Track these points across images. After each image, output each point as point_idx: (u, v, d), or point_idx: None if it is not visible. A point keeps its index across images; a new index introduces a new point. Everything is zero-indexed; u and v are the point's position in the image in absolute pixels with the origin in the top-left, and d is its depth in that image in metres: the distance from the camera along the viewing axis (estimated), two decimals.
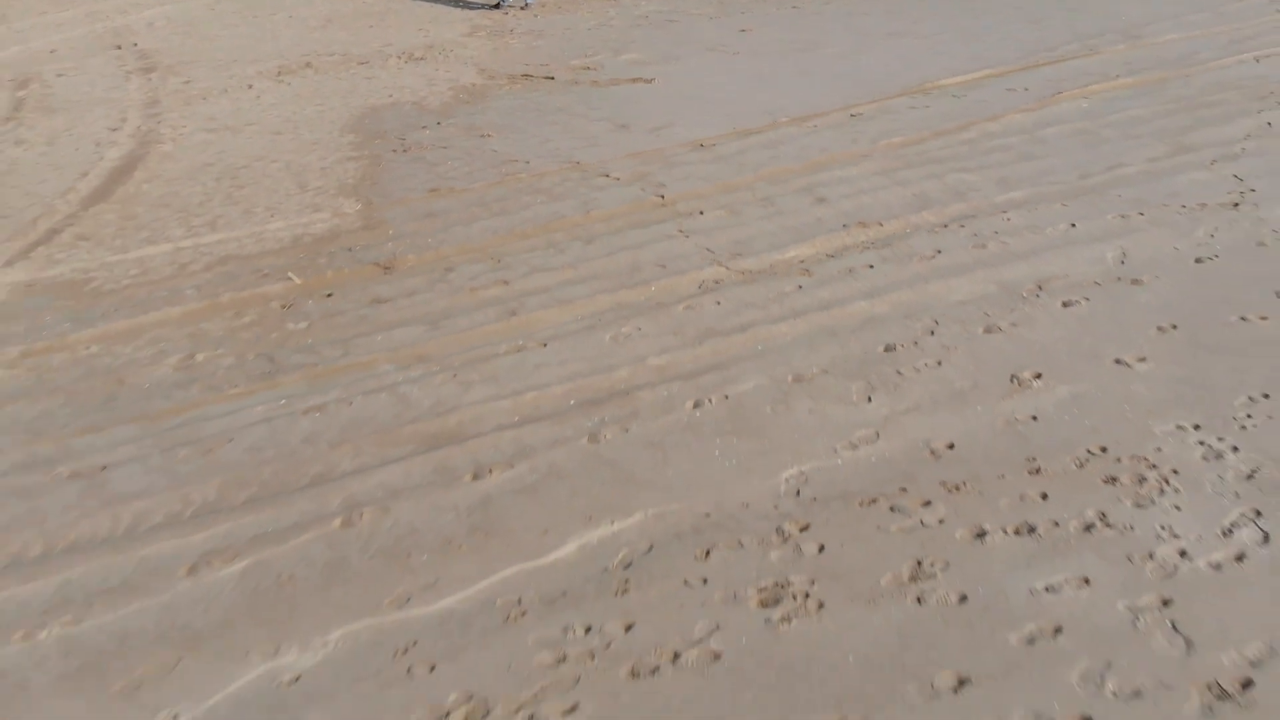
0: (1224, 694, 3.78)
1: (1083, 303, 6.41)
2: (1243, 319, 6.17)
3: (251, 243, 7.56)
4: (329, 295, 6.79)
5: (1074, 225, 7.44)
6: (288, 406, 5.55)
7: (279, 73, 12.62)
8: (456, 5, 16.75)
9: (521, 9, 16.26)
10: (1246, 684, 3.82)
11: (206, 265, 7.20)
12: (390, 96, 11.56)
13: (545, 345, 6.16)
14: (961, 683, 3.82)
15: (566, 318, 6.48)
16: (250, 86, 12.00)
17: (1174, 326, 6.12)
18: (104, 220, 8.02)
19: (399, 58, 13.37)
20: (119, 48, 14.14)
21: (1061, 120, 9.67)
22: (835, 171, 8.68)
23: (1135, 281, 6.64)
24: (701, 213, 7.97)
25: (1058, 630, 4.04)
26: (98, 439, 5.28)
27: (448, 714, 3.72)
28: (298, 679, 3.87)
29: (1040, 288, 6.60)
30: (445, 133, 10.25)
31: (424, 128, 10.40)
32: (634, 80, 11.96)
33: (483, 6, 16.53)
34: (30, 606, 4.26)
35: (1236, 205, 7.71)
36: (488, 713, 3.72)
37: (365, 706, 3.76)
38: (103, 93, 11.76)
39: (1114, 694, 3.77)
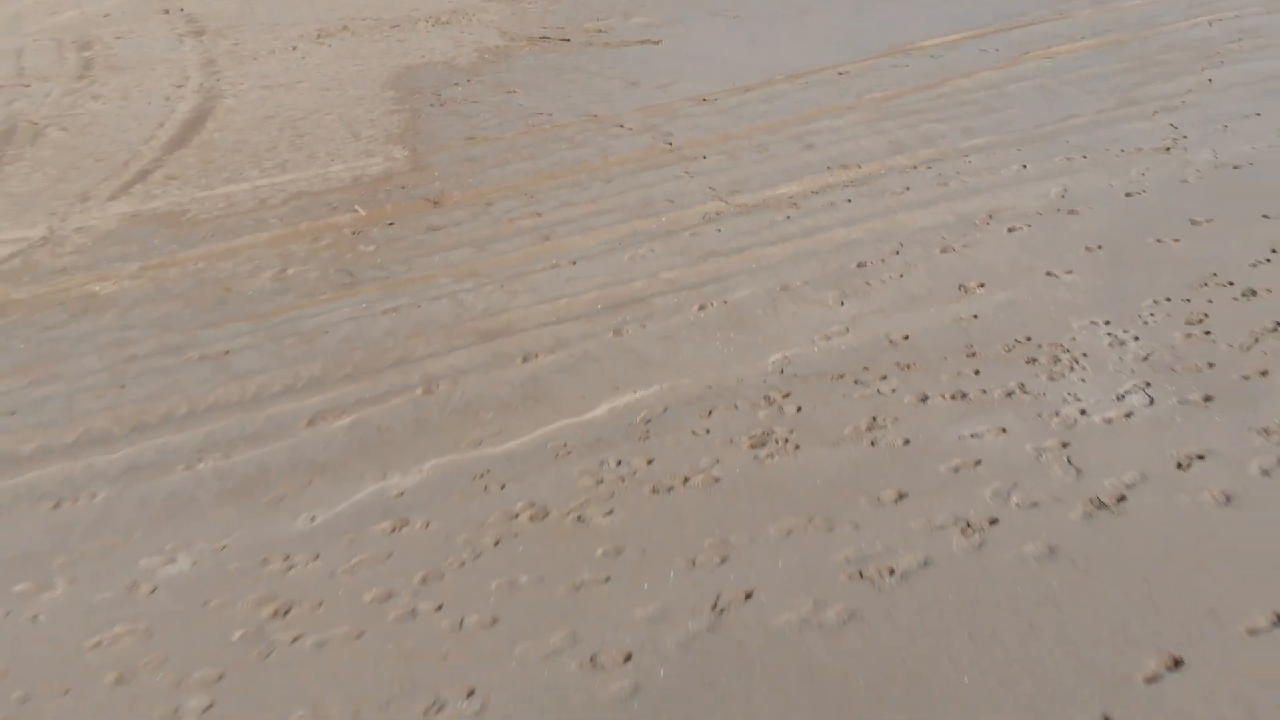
0: (1102, 505, 4.99)
1: (1025, 229, 7.57)
2: (1158, 241, 7.34)
3: (319, 182, 8.73)
4: (390, 224, 7.96)
5: (1025, 166, 8.59)
6: (368, 309, 6.74)
7: (318, 35, 13.71)
8: None
9: None
10: (1120, 499, 5.02)
11: (283, 200, 8.38)
12: (422, 57, 12.66)
13: (574, 263, 7.34)
14: (901, 496, 5.03)
15: (591, 242, 7.65)
16: (294, 48, 13.09)
17: (1100, 247, 7.28)
18: (187, 163, 9.18)
19: (427, 21, 14.44)
20: (167, 12, 15.21)
21: (1026, 77, 10.79)
22: (823, 122, 9.82)
23: (1072, 211, 7.80)
24: (704, 157, 9.12)
25: (978, 463, 5.25)
26: (217, 332, 6.48)
27: (516, 515, 4.93)
28: (402, 494, 5.08)
29: (991, 217, 7.76)
30: (475, 89, 11.37)
31: (455, 85, 11.52)
32: (643, 42, 13.05)
33: None
34: (185, 449, 5.47)
35: (1169, 149, 8.85)
36: (546, 515, 4.94)
37: (454, 512, 4.98)
38: (161, 53, 12.87)
39: (1017, 505, 4.97)
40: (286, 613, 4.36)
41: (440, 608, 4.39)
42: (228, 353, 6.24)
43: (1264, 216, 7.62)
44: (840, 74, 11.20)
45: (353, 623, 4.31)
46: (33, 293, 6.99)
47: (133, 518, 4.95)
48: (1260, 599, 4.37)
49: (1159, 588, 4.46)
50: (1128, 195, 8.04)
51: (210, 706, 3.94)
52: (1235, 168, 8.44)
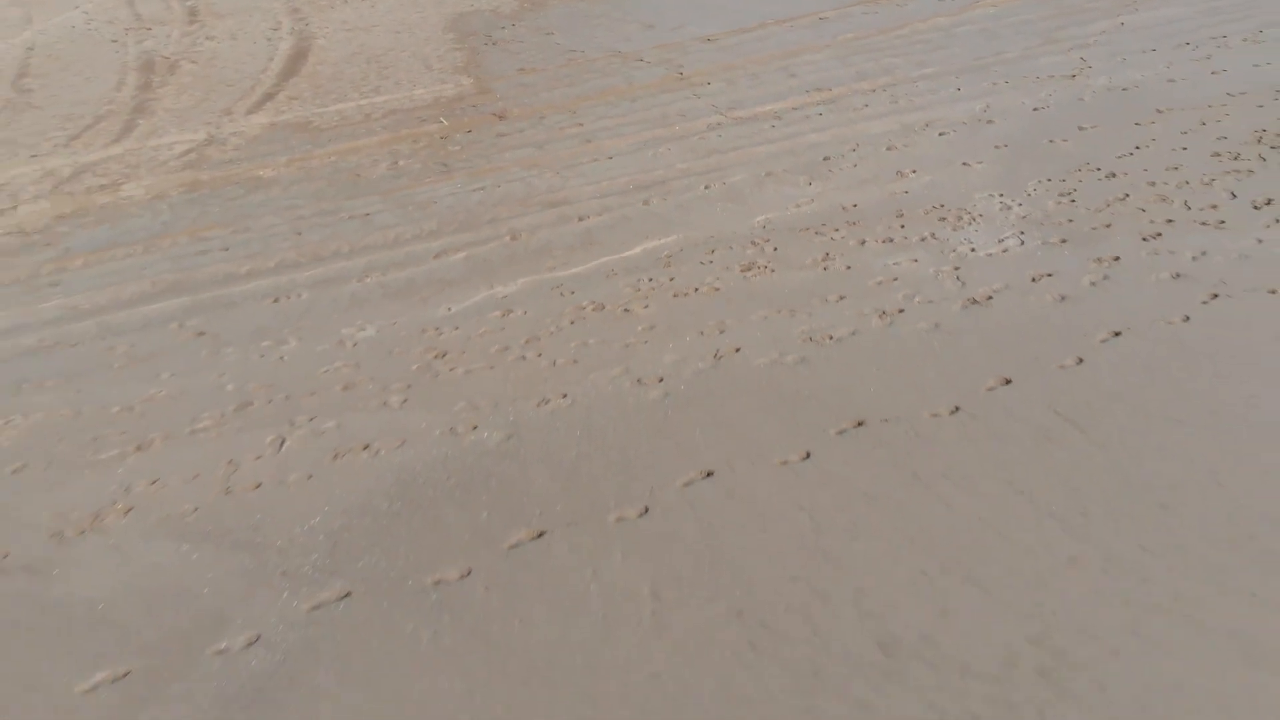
0: (975, 302, 7.29)
1: (952, 134, 9.83)
2: (1050, 141, 9.59)
3: (406, 101, 10.97)
4: (469, 131, 10.22)
5: (959, 90, 10.82)
6: (462, 188, 9.03)
7: None
8: None
9: None
10: (989, 298, 7.32)
11: (382, 115, 10.64)
12: (471, 5, 14.82)
13: (611, 158, 9.60)
14: (841, 298, 7.34)
15: (623, 144, 9.90)
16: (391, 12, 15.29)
17: (1005, 146, 9.54)
18: (300, 88, 11.42)
19: None
20: None
21: (972, 22, 12.96)
22: (804, 57, 12.02)
23: (989, 122, 10.05)
24: (708, 83, 11.34)
25: (895, 280, 7.55)
26: (356, 202, 8.79)
27: (583, 308, 7.26)
28: (505, 297, 7.41)
29: (927, 125, 10.01)
30: (519, 32, 13.55)
31: (502, 28, 13.69)
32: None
33: None
34: (354, 271, 7.79)
35: (1074, 77, 11.07)
36: (604, 308, 7.26)
37: (542, 307, 7.30)
38: (253, 2, 15.03)
39: (918, 302, 7.27)
40: (443, 356, 6.71)
41: (540, 354, 6.73)
42: (368, 214, 8.55)
43: (1135, 124, 9.87)
44: (820, 19, 13.38)
45: (486, 361, 6.66)
46: (214, 176, 9.28)
47: (329, 307, 7.29)
48: (1071, 345, 6.69)
49: (1004, 341, 6.78)
50: (1035, 110, 10.28)
51: (405, 400, 6.30)
52: (1124, 90, 10.68)
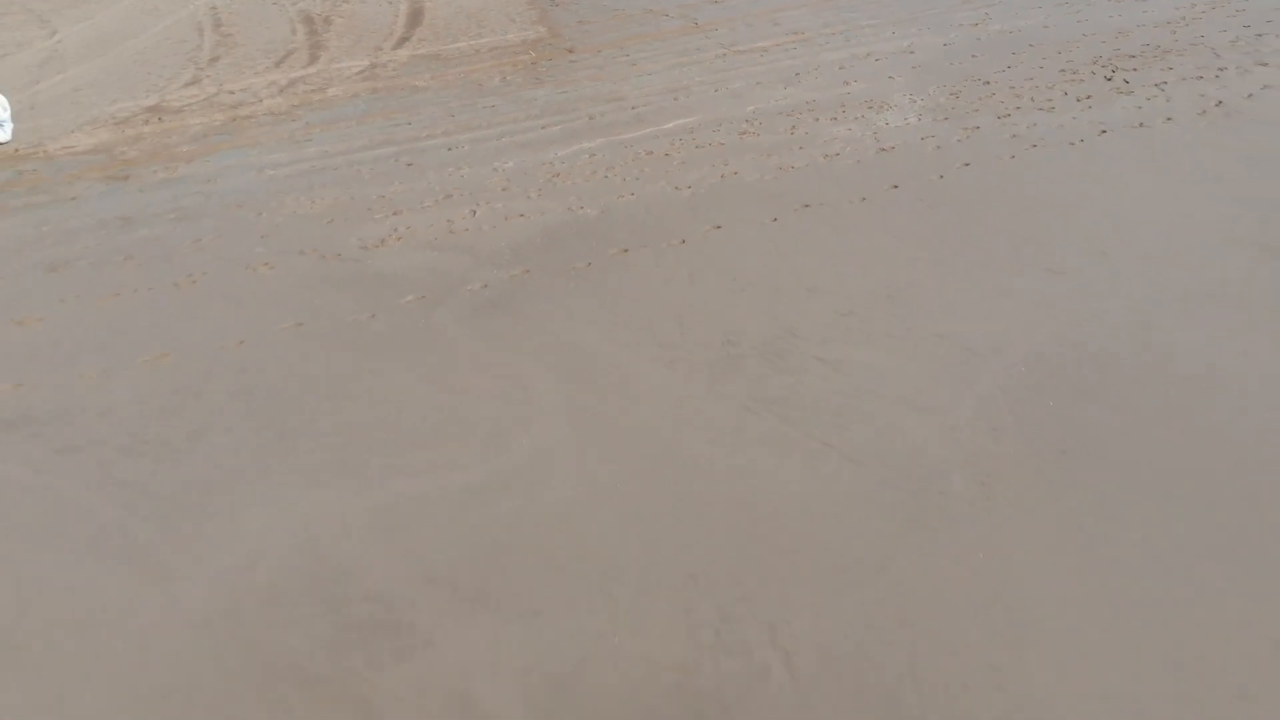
0: (885, 149, 11.40)
1: (884, 60, 13.91)
2: (950, 64, 13.66)
3: (503, 42, 15.07)
4: (550, 60, 14.33)
5: (893, 33, 14.90)
6: (551, 91, 13.13)
7: None
8: None
9: None
10: (893, 148, 11.43)
11: (488, 50, 14.73)
12: None
13: (649, 75, 13.69)
14: (801, 148, 11.46)
15: (657, 67, 13.99)
16: None
17: (919, 67, 13.63)
18: (424, 34, 15.53)
19: None
20: None
21: None
22: (786, 12, 16.09)
23: (911, 53, 14.13)
24: (716, 29, 15.43)
25: (835, 139, 11.65)
26: (483, 99, 12.89)
27: (640, 155, 11.38)
28: (589, 149, 11.53)
29: (868, 55, 14.10)
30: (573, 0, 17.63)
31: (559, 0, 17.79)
32: None
33: None
34: (490, 136, 11.88)
35: (976, 25, 15.15)
36: (651, 154, 11.38)
37: (614, 153, 11.41)
38: None
39: (850, 153, 11.37)
40: (558, 176, 10.82)
41: (614, 175, 10.83)
42: (494, 106, 12.66)
43: (1012, 54, 13.96)
44: None
45: (583, 179, 10.77)
46: (384, 86, 13.40)
47: (483, 153, 11.39)
48: (938, 170, 10.79)
49: (899, 168, 10.86)
50: (944, 45, 14.37)
51: (540, 195, 10.42)
52: (1009, 33, 14.76)
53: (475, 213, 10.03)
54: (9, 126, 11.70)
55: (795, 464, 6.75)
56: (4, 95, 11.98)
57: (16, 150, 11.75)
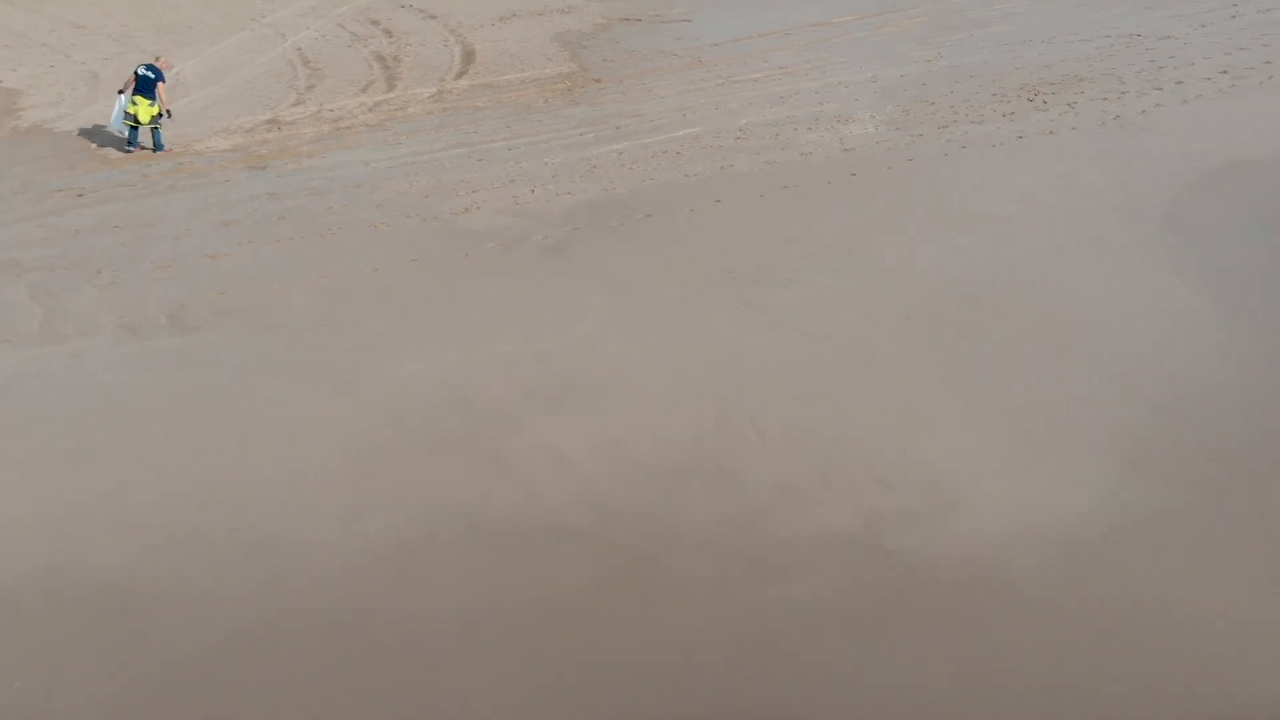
0: (847, 150, 14.60)
1: (852, 87, 17.15)
2: (904, 90, 16.93)
3: (542, 75, 18.36)
4: (583, 88, 17.61)
5: (861, 68, 18.17)
6: (585, 110, 16.38)
7: (502, 19, 23.35)
8: None
9: None
10: (853, 149, 14.62)
11: (532, 81, 18.02)
12: (566, 28, 22.23)
13: (663, 99, 16.91)
14: (782, 149, 14.65)
15: (669, 93, 17.22)
16: (495, 23, 22.74)
17: (880, 93, 16.90)
18: (478, 70, 18.84)
19: (559, 11, 24.08)
20: (403, 6, 24.87)
21: (876, 34, 20.37)
22: (774, 53, 19.41)
23: (874, 81, 17.38)
24: (716, 65, 18.73)
25: (809, 144, 14.86)
26: (532, 116, 16.12)
27: (657, 154, 14.57)
28: (618, 149, 14.73)
29: (839, 84, 17.35)
30: (599, 41, 20.97)
31: (588, 40, 21.11)
32: (681, 20, 22.67)
33: None
34: (540, 140, 15.07)
35: (930, 61, 18.45)
36: (666, 154, 14.58)
37: (637, 153, 14.59)
38: (420, 25, 22.48)
39: (819, 151, 14.58)
40: (596, 168, 14.03)
41: (638, 168, 14.01)
42: (540, 120, 15.90)
43: (955, 83, 17.23)
44: (785, 34, 20.83)
45: (614, 170, 13.96)
46: (451, 106, 16.66)
47: (537, 151, 14.59)
48: (888, 165, 13.96)
49: (857, 164, 14.03)
50: (901, 76, 17.65)
51: (579, 180, 13.61)
52: (955, 67, 18.04)
53: (534, 191, 13.22)
54: (160, 137, 14.91)
55: (768, 336, 9.84)
56: (155, 108, 15.17)
57: (170, 149, 14.96)
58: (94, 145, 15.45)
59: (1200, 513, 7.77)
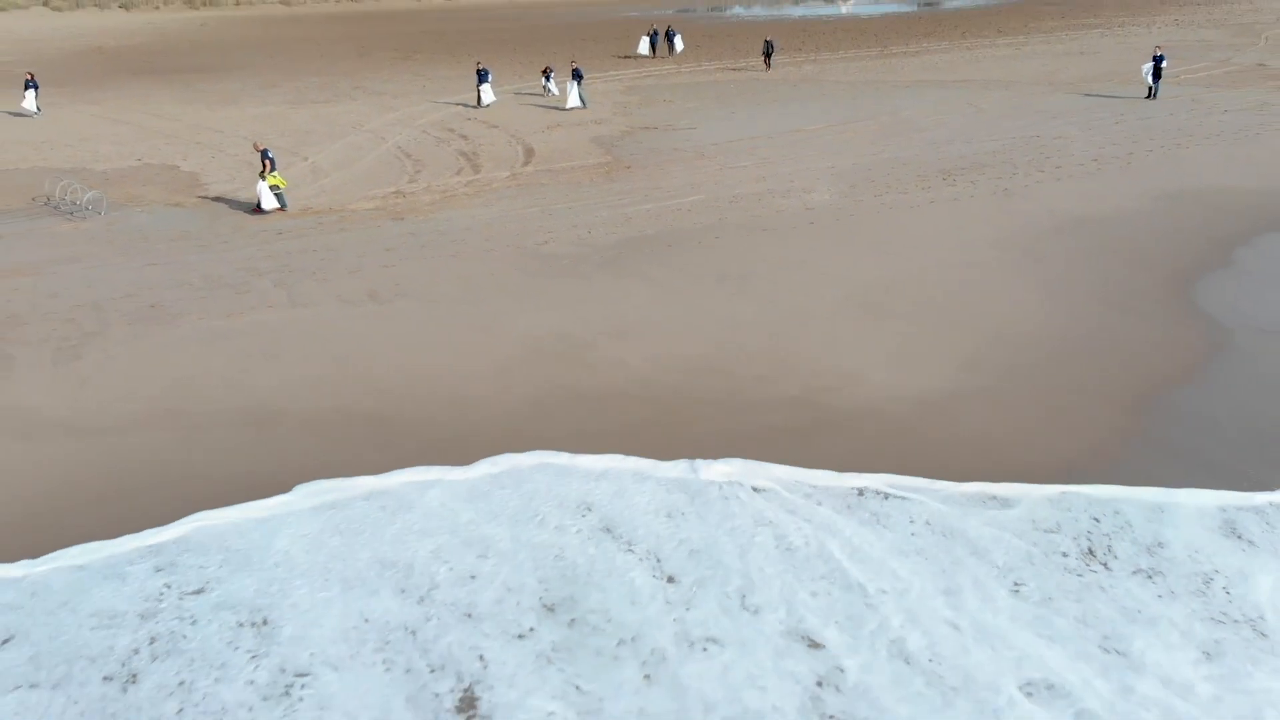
0: (808, 209, 20.42)
1: (816, 171, 23.10)
2: (854, 173, 22.86)
3: (585, 164, 24.35)
4: (617, 172, 23.56)
5: (824, 159, 24.19)
6: (620, 184, 22.26)
7: (548, 128, 29.55)
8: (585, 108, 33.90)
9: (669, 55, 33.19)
10: (813, 209, 20.46)
11: (579, 167, 24.02)
12: (599, 134, 28.38)
13: (676, 177, 22.85)
14: (762, 204, 20.47)
15: (679, 174, 23.15)
16: (546, 130, 28.91)
17: (835, 175, 22.81)
18: (538, 160, 24.84)
19: (593, 123, 30.32)
20: (469, 119, 31.14)
21: (835, 135, 26.45)
22: (759, 148, 25.48)
23: (831, 168, 23.36)
24: (714, 158, 24.77)
25: (780, 206, 20.68)
26: (582, 190, 22.04)
27: (676, 211, 20.41)
28: (646, 208, 20.58)
29: (808, 170, 23.31)
30: (625, 142, 27.08)
31: (619, 140, 27.21)
32: (688, 128, 28.87)
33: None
34: (595, 205, 20.93)
35: (875, 154, 24.46)
36: (685, 212, 20.43)
37: (658, 212, 20.45)
38: (486, 131, 28.63)
39: (787, 210, 20.40)
40: (630, 221, 19.87)
41: (664, 215, 19.85)
42: (592, 188, 21.80)
43: (891, 169, 23.18)
44: (769, 138, 26.95)
45: (650, 214, 19.79)
46: (524, 183, 22.58)
47: (590, 209, 20.43)
48: (831, 221, 19.76)
49: (817, 218, 19.85)
50: (853, 165, 23.62)
51: (637, 209, 19.42)
52: (894, 159, 24.05)
53: (590, 232, 19.00)
54: (285, 200, 20.70)
55: (747, 306, 15.43)
56: (286, 181, 21.04)
57: (330, 208, 20.83)
58: (270, 206, 21.33)
59: (998, 388, 13.20)
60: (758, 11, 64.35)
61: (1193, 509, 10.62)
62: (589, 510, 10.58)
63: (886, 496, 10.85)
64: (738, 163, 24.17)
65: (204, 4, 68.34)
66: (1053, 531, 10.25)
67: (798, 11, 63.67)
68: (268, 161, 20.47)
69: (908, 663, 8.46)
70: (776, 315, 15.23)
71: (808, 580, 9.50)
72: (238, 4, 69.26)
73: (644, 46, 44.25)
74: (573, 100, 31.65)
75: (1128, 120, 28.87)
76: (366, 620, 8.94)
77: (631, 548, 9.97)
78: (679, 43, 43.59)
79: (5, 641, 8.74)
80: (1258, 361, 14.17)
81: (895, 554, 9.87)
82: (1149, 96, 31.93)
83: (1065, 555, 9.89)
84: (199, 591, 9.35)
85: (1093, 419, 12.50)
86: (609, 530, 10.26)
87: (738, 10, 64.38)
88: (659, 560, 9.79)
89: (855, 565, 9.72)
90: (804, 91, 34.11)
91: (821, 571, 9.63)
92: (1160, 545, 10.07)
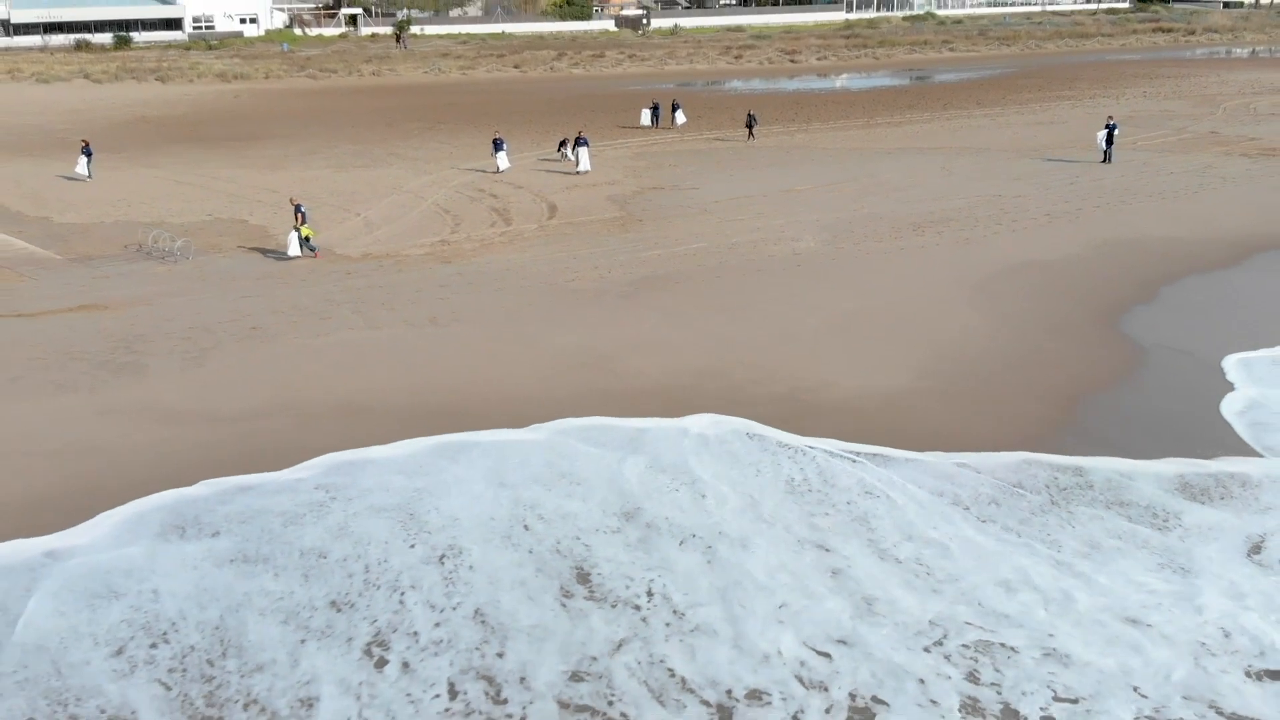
0: (795, 254, 23.79)
1: (802, 224, 26.53)
2: (836, 225, 26.28)
3: (603, 217, 27.82)
4: (630, 225, 26.99)
5: (811, 213, 27.65)
6: (633, 235, 25.67)
7: (567, 189, 33.10)
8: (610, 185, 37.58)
9: (673, 126, 36.98)
10: (800, 254, 23.83)
11: (597, 220, 27.42)
12: (613, 193, 31.90)
13: (683, 230, 26.27)
14: (755, 250, 23.84)
15: (685, 225, 26.57)
16: (566, 190, 32.49)
17: (820, 227, 26.24)
18: (561, 215, 28.29)
19: (607, 184, 33.90)
20: (497, 181, 34.73)
21: (819, 195, 29.96)
22: (754, 204, 28.99)
23: (817, 221, 26.81)
24: (720, 212, 28.25)
25: (773, 251, 24.05)
26: (601, 237, 25.41)
27: (681, 255, 23.78)
28: (657, 252, 23.95)
29: (798, 222, 26.76)
30: (637, 200, 30.57)
31: (631, 198, 30.73)
32: (692, 188, 32.42)
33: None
34: (615, 252, 24.29)
35: (857, 210, 27.92)
36: (690, 257, 23.80)
37: (669, 256, 23.82)
38: (513, 191, 32.16)
39: (776, 254, 23.76)
40: (645, 263, 23.27)
41: (665, 256, 23.21)
42: (610, 237, 25.18)
43: (870, 223, 26.63)
44: (764, 196, 30.46)
45: (667, 258, 23.15)
46: (549, 233, 26.00)
47: (616, 256, 23.81)
48: (815, 263, 23.11)
49: (802, 260, 23.19)
50: (835, 219, 27.06)
51: (658, 249, 22.79)
52: (872, 215, 27.51)
53: (610, 272, 22.35)
54: (314, 247, 24.09)
55: (743, 329, 18.72)
56: (315, 231, 24.43)
57: (386, 254, 24.19)
58: (335, 253, 24.67)
59: (949, 389, 16.39)
60: (755, 85, 68.58)
61: (1151, 475, 13.78)
62: (636, 451, 14.05)
63: (855, 459, 14.04)
64: (735, 216, 27.63)
65: (235, 77, 72.57)
66: (1018, 486, 13.45)
67: (792, 85, 67.86)
68: (300, 214, 23.84)
69: (899, 562, 11.62)
70: (767, 336, 18.45)
71: (808, 505, 12.72)
72: (266, 77, 73.52)
73: (646, 118, 47.97)
74: (584, 165, 35.07)
75: (1081, 182, 32.42)
76: (492, 518, 12.27)
77: (674, 477, 13.32)
78: (680, 116, 47.35)
79: (214, 535, 11.96)
80: (1163, 372, 17.42)
81: (875, 489, 13.06)
82: (1104, 161, 35.54)
83: (1026, 496, 13.08)
84: (352, 499, 12.63)
85: (1028, 412, 15.72)
86: (653, 465, 13.69)
87: (735, 84, 68.55)
88: (691, 483, 13.14)
89: (837, 493, 12.94)
90: (795, 157, 37.76)
91: (818, 498, 12.83)
92: (1119, 501, 13.26)
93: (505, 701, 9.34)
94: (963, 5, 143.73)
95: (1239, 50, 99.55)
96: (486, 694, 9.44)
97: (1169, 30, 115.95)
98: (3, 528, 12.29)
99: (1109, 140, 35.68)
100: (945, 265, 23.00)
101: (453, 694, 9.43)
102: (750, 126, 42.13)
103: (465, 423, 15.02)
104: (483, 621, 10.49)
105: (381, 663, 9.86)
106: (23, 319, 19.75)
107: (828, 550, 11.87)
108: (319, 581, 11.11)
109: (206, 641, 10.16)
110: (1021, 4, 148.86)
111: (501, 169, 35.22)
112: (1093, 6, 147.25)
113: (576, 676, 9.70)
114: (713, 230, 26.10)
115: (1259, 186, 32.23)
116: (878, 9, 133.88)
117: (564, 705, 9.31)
